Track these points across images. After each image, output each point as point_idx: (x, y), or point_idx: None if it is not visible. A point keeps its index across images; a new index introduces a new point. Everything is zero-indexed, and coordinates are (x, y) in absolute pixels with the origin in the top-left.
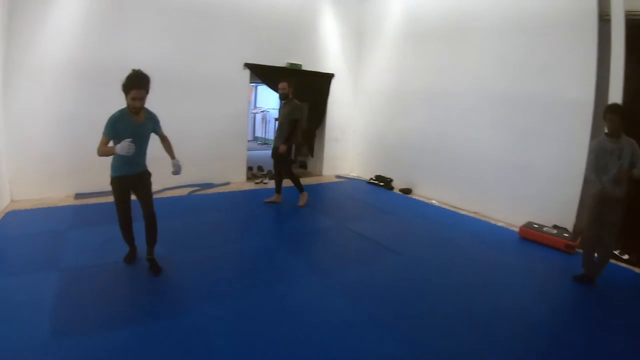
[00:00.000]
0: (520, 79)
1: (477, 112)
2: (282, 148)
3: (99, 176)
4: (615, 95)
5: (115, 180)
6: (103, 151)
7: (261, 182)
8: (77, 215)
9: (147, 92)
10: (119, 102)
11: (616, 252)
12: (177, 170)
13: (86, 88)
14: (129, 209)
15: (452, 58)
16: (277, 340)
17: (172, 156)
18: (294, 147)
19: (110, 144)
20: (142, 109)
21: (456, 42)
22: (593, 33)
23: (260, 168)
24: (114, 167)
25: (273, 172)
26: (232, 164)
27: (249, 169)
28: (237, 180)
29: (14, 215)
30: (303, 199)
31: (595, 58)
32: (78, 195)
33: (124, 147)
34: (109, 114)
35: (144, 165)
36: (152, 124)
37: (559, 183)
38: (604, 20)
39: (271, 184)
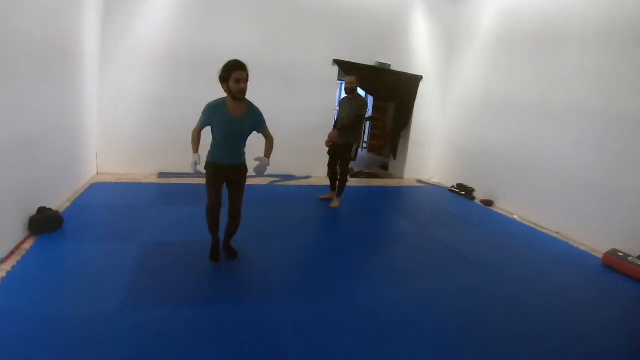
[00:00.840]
0: (618, 95)
1: (568, 127)
2: (355, 149)
3: (182, 157)
4: None
5: (210, 165)
6: (192, 140)
7: None
8: (158, 193)
9: (248, 76)
10: (208, 88)
11: None
12: (259, 169)
13: (176, 73)
14: (220, 194)
15: (546, 67)
16: (347, 342)
17: (266, 155)
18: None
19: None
20: (245, 94)
21: (552, 50)
22: None
23: None
24: (210, 152)
25: (329, 168)
26: (315, 158)
27: None
28: (319, 175)
29: (98, 186)
30: (337, 202)
31: None
32: (161, 175)
33: (192, 165)
34: (197, 99)
35: (242, 158)
36: (253, 121)
37: None
38: None
39: (352, 181)
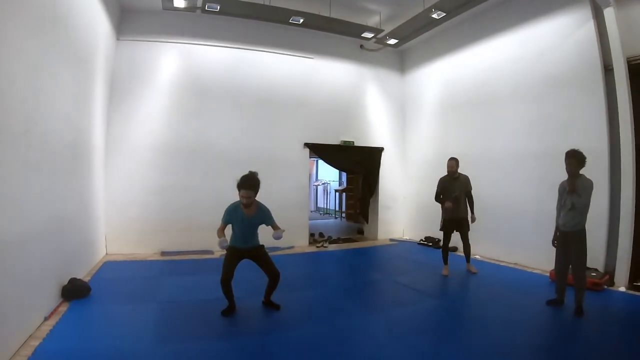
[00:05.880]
0: (545, 137)
1: (512, 170)
2: (474, 218)
3: (182, 237)
4: (626, 139)
5: (230, 248)
6: (218, 234)
7: (322, 245)
8: (165, 267)
9: (255, 192)
10: (200, 175)
11: None
12: (277, 235)
13: (172, 163)
14: (234, 268)
15: (485, 124)
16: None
17: (276, 229)
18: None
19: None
20: (251, 204)
21: (487, 108)
22: (599, 84)
23: (321, 234)
24: (231, 239)
25: (443, 242)
26: (296, 230)
27: (311, 235)
28: (300, 244)
29: (110, 264)
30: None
31: (604, 107)
32: (164, 253)
33: (220, 243)
34: (191, 185)
35: (256, 242)
36: (261, 218)
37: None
38: (609, 70)
39: (331, 246)
